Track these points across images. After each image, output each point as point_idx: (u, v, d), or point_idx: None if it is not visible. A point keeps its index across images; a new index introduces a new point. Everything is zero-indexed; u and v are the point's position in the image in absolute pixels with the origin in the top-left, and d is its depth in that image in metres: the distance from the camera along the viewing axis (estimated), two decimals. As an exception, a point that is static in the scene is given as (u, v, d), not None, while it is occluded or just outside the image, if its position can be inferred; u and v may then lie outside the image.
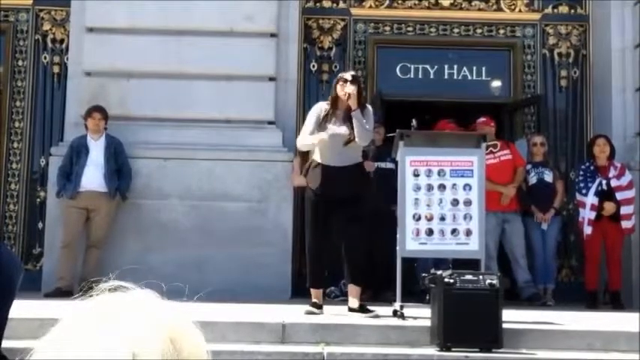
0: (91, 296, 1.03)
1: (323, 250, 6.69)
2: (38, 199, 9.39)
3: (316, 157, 6.59)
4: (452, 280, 5.58)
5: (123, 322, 0.96)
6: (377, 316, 6.23)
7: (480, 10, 9.95)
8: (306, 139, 6.61)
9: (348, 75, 6.63)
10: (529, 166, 8.97)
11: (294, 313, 6.39)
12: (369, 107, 6.70)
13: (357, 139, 6.39)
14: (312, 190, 6.59)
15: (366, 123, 6.44)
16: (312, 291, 6.65)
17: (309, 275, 6.71)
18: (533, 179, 8.91)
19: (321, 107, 6.72)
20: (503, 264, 8.63)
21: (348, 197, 6.40)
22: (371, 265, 7.60)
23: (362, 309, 6.37)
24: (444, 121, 9.08)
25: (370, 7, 9.93)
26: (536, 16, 9.96)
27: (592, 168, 8.68)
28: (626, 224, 8.50)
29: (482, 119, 8.89)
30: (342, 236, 6.50)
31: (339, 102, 6.56)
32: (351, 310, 6.44)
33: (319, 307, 6.53)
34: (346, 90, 6.44)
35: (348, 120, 6.47)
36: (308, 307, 6.47)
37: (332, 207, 6.44)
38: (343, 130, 6.48)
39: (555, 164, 9.36)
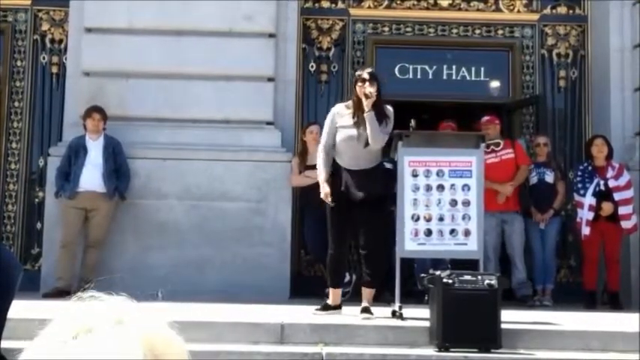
0: (69, 306, 1.04)
1: (343, 252, 6.68)
2: (37, 200, 9.39)
3: (337, 159, 6.51)
4: (450, 281, 5.58)
5: (102, 333, 0.97)
6: (368, 319, 6.21)
7: (478, 10, 9.96)
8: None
9: (365, 74, 6.40)
10: (531, 166, 8.96)
11: (293, 313, 6.39)
12: (389, 107, 6.48)
13: (370, 141, 6.27)
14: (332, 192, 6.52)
15: (384, 124, 6.30)
16: (332, 291, 6.60)
17: (330, 276, 6.68)
18: (534, 179, 8.90)
19: (335, 112, 6.58)
20: (506, 264, 8.64)
21: (367, 200, 6.33)
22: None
23: (365, 310, 6.35)
24: (443, 124, 9.08)
25: (369, 7, 9.93)
26: (535, 16, 9.97)
27: (590, 168, 8.68)
28: (625, 224, 8.49)
29: (486, 118, 8.88)
30: (362, 240, 6.47)
31: (361, 102, 6.35)
32: (363, 311, 6.39)
33: (334, 307, 6.52)
34: (366, 91, 6.25)
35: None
36: (317, 310, 6.47)
37: (352, 209, 6.40)
38: (361, 132, 6.31)
39: (557, 165, 9.35)
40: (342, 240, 6.55)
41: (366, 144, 6.32)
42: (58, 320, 1.01)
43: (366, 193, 6.32)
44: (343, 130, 6.42)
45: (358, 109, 6.38)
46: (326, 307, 6.52)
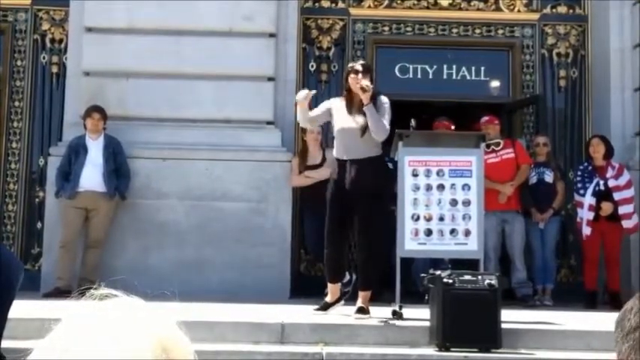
0: (81, 305, 1.04)
1: (339, 249, 6.60)
2: (37, 199, 9.39)
3: (334, 152, 6.53)
4: (451, 281, 5.58)
5: (114, 333, 0.97)
6: (360, 318, 6.20)
7: (478, 10, 9.95)
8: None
9: (358, 65, 6.42)
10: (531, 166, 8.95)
11: (293, 313, 6.39)
12: (383, 97, 6.45)
13: (373, 135, 6.26)
14: (329, 186, 6.52)
15: (380, 116, 6.28)
16: (330, 286, 6.57)
17: (327, 273, 6.65)
18: (533, 179, 8.90)
19: (331, 103, 6.63)
20: (506, 264, 8.64)
21: (363, 194, 6.28)
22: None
23: (360, 310, 6.34)
24: (437, 123, 9.07)
25: (369, 7, 9.93)
26: (535, 16, 9.96)
27: (590, 168, 8.68)
28: (626, 224, 8.49)
29: (485, 118, 8.88)
30: (357, 240, 6.46)
31: (353, 94, 6.36)
32: (357, 311, 6.38)
33: (334, 302, 6.51)
34: (362, 84, 6.22)
35: (363, 111, 6.30)
36: (317, 310, 6.46)
37: (349, 203, 6.37)
38: (355, 122, 6.33)
39: (556, 165, 9.34)
40: (337, 238, 6.50)
41: (362, 133, 6.31)
42: (69, 319, 1.01)
43: (357, 184, 6.28)
44: (340, 121, 6.42)
45: (351, 101, 6.40)
46: (325, 307, 6.51)
